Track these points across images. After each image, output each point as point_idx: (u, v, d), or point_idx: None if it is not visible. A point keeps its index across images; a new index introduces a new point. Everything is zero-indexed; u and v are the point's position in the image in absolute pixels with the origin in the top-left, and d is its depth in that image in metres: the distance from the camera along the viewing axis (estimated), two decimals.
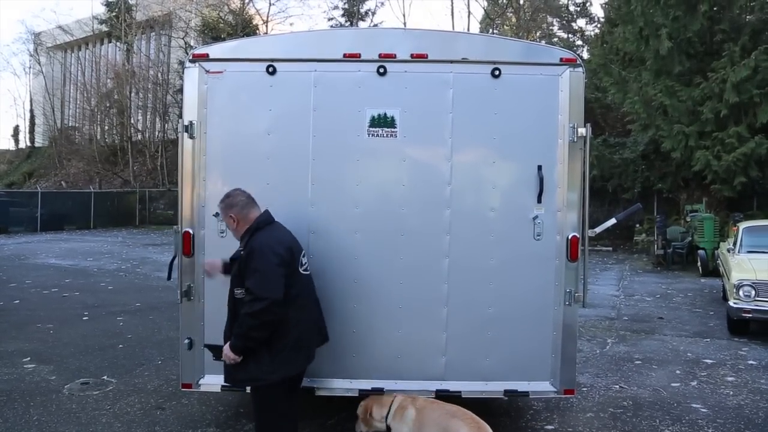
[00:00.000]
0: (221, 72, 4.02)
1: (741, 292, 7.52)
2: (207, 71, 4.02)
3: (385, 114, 3.98)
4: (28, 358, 6.29)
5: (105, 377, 5.71)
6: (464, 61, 3.97)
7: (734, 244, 9.27)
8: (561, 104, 3.98)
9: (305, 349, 3.47)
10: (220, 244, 4.02)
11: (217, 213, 3.93)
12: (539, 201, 3.97)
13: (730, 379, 5.93)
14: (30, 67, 45.42)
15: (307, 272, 3.55)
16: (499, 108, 3.98)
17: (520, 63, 4.01)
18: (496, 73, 3.95)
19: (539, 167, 3.95)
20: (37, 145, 45.43)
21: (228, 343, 3.24)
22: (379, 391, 3.97)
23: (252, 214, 3.46)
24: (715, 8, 15.80)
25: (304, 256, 3.53)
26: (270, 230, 3.43)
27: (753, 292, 7.45)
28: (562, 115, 3.98)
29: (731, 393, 5.49)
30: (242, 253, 3.32)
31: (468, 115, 3.98)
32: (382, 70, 3.97)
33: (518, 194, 4.02)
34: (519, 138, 4.01)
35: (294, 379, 3.52)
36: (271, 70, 3.99)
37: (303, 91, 4.00)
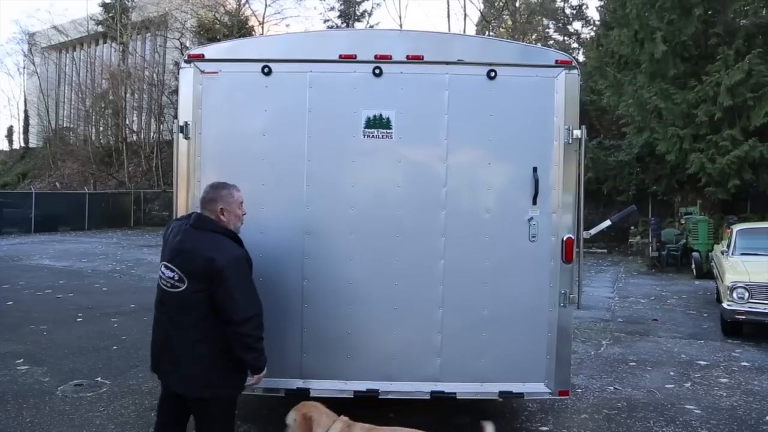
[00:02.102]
0: (216, 72, 4.01)
1: (735, 294, 7.55)
2: (202, 72, 4.01)
3: (381, 115, 3.98)
4: (22, 360, 6.25)
5: (99, 379, 5.69)
6: (460, 62, 3.97)
7: (728, 246, 9.31)
8: (556, 106, 3.98)
9: (152, 355, 3.24)
10: None
11: None
12: (534, 203, 3.97)
13: (723, 380, 5.95)
14: (24, 68, 45.31)
15: (163, 285, 3.09)
16: (494, 110, 3.98)
17: (515, 65, 4.01)
18: (492, 74, 3.96)
19: (534, 169, 3.96)
20: (31, 145, 45.21)
21: None
22: (374, 393, 3.96)
23: None
24: (709, 12, 15.89)
25: (167, 268, 3.07)
26: None
27: (746, 294, 7.48)
28: (558, 117, 3.98)
29: (725, 394, 5.51)
30: None
31: (463, 116, 3.98)
32: (377, 72, 3.97)
33: (513, 196, 4.02)
34: (514, 140, 4.01)
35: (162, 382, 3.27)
36: (266, 70, 3.98)
37: (298, 92, 3.99)
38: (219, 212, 3.18)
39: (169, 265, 3.07)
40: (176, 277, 3.02)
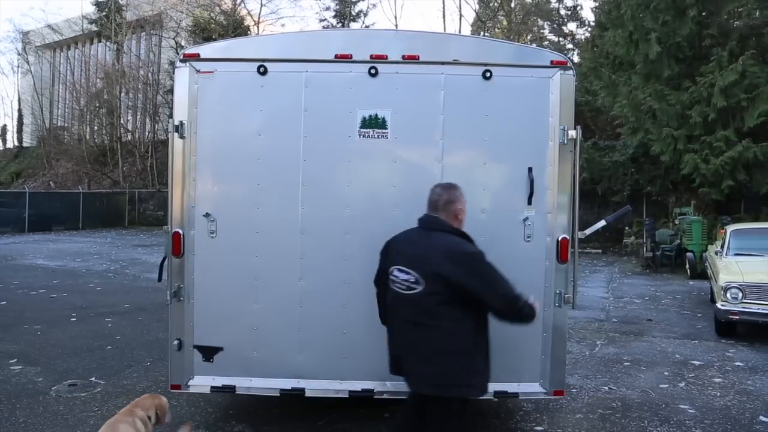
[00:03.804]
0: (212, 72, 4.01)
1: (728, 295, 7.58)
2: (198, 71, 4.01)
3: (377, 115, 3.98)
4: (15, 360, 6.22)
5: (93, 379, 5.66)
6: (455, 62, 3.98)
7: (722, 246, 9.34)
8: (551, 106, 4.00)
9: (391, 357, 3.38)
10: (210, 245, 4.00)
11: (207, 213, 3.93)
12: (529, 203, 3.98)
13: (717, 380, 5.98)
14: (18, 67, 44.88)
15: (397, 289, 3.19)
16: (490, 110, 3.99)
17: (511, 65, 4.03)
18: (487, 75, 3.97)
19: (530, 169, 3.97)
20: (25, 144, 44.94)
21: None
22: (369, 393, 3.96)
23: None
24: (703, 13, 15.94)
25: (401, 272, 3.16)
26: None
27: (740, 294, 7.51)
28: (553, 117, 4.00)
29: (718, 394, 5.53)
30: None
31: (459, 116, 3.99)
32: (373, 71, 3.97)
33: (509, 196, 4.03)
34: (510, 140, 4.02)
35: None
36: (262, 70, 3.98)
37: (294, 92, 3.99)
38: (457, 212, 3.28)
39: (403, 268, 3.15)
40: (412, 279, 3.10)
